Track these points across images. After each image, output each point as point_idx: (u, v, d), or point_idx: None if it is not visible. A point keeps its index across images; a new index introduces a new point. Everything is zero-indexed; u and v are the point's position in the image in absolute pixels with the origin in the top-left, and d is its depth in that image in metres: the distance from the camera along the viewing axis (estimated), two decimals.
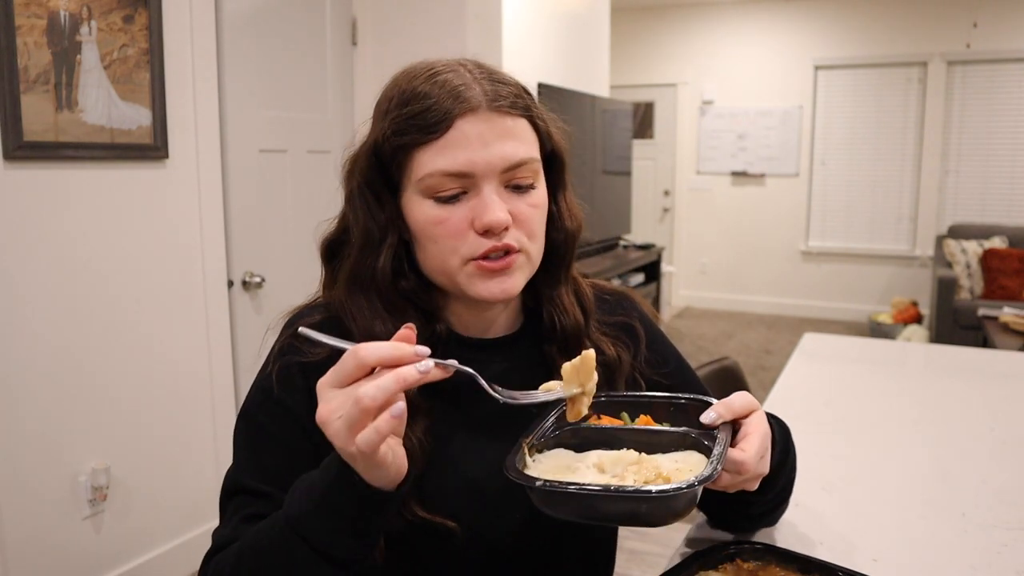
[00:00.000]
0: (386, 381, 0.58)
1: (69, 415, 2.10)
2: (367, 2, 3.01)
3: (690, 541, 0.97)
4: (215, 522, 0.79)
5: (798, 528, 1.01)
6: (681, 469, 0.70)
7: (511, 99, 0.75)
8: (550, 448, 0.74)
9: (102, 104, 2.09)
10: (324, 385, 0.61)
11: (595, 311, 0.88)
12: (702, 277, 7.09)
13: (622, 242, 5.06)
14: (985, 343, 3.79)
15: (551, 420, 0.75)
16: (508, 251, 0.75)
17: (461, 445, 0.81)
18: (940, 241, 5.66)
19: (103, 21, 2.06)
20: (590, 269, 3.91)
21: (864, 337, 2.92)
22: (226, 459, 2.54)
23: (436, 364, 0.61)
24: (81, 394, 2.12)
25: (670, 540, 2.65)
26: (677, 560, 0.88)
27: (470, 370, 0.65)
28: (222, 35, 2.44)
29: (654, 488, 0.63)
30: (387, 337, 0.65)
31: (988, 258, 5.22)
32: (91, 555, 2.18)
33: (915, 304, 5.92)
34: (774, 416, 0.86)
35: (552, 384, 0.73)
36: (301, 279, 2.77)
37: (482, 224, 0.73)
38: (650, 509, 0.64)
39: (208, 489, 2.52)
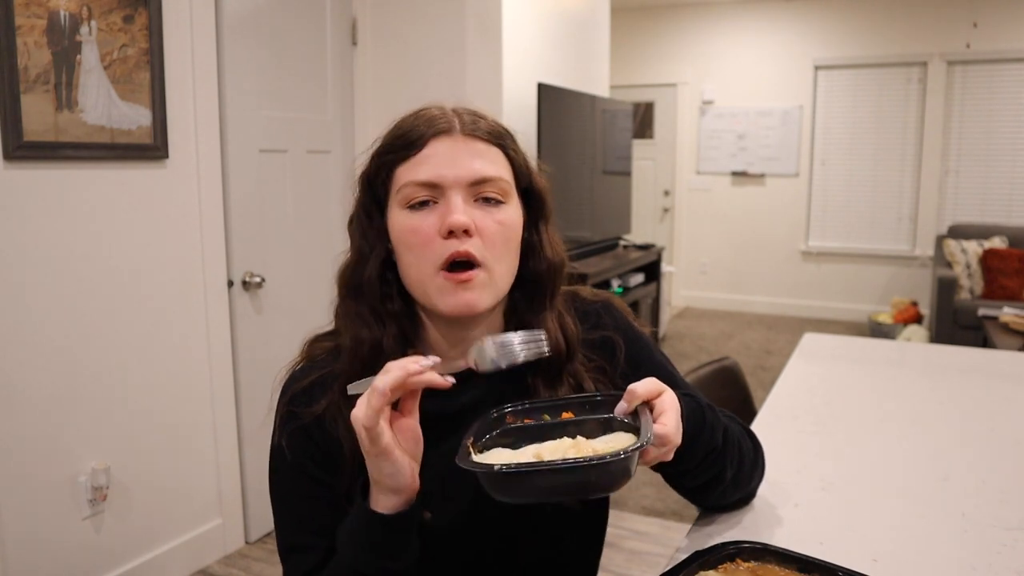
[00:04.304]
0: (394, 371, 0.71)
1: (69, 415, 2.10)
2: (367, 2, 3.01)
3: (690, 541, 0.97)
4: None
5: (798, 528, 1.01)
6: (615, 447, 0.74)
7: (486, 130, 0.83)
8: (488, 449, 0.78)
9: (102, 104, 2.09)
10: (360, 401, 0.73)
11: (578, 344, 0.91)
12: (702, 277, 7.09)
13: (622, 242, 5.06)
14: (985, 343, 3.79)
15: (487, 422, 0.80)
16: (471, 263, 0.80)
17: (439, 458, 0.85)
18: (940, 241, 5.66)
19: (103, 21, 2.06)
20: (590, 269, 3.91)
21: (864, 337, 2.92)
22: (225, 459, 2.55)
23: (435, 373, 0.72)
24: (81, 394, 2.12)
25: (670, 540, 2.65)
26: (677, 560, 0.88)
27: (462, 365, 0.76)
28: (222, 35, 2.44)
29: (608, 455, 0.68)
30: (371, 339, 0.84)
31: (988, 258, 5.22)
32: (91, 555, 2.18)
33: (915, 304, 5.92)
34: (689, 395, 0.89)
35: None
36: (301, 279, 2.78)
37: (445, 225, 0.79)
38: (599, 476, 0.68)
39: (208, 489, 2.52)
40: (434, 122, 0.82)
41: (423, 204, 0.81)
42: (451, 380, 0.73)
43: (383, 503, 0.76)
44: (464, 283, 0.80)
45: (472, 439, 0.77)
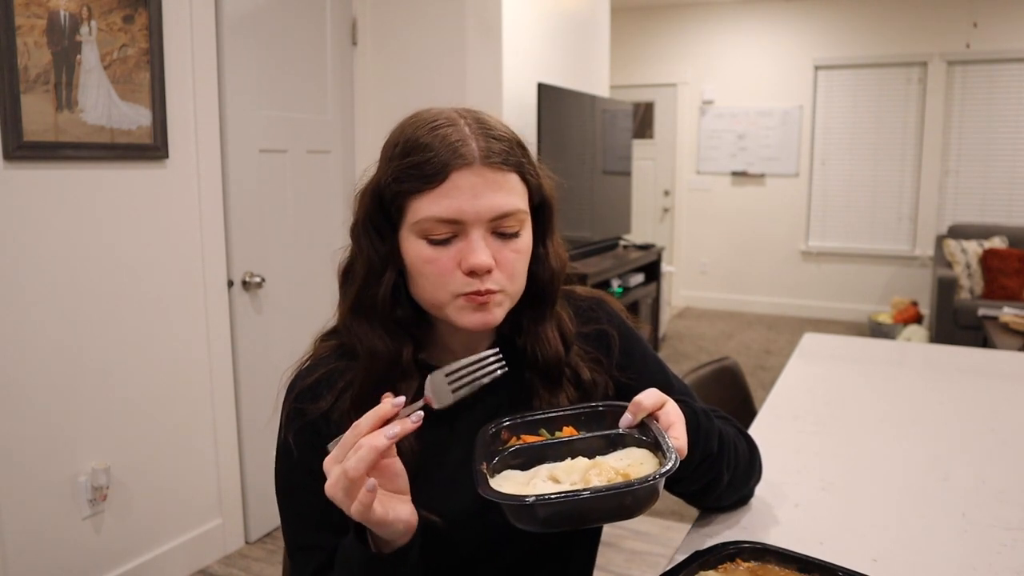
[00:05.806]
0: (364, 453, 0.69)
1: (69, 415, 2.10)
2: (367, 2, 3.01)
3: (690, 541, 0.98)
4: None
5: (798, 528, 1.01)
6: (632, 464, 0.75)
7: (504, 155, 0.81)
8: (499, 471, 0.78)
9: (102, 104, 2.09)
10: (329, 462, 0.72)
11: (574, 340, 0.94)
12: (702, 277, 7.09)
13: (622, 242, 5.06)
14: (985, 343, 3.79)
15: (486, 438, 0.80)
16: (489, 291, 0.82)
17: (446, 454, 0.87)
18: (940, 241, 5.66)
19: (103, 21, 2.06)
20: (590, 269, 3.91)
21: (864, 337, 2.92)
22: (225, 459, 2.55)
23: (401, 421, 0.71)
24: (81, 394, 2.12)
25: (670, 540, 2.65)
26: (677, 560, 0.88)
27: (420, 410, 0.74)
28: (222, 35, 2.44)
29: (644, 478, 0.67)
30: (387, 353, 0.84)
31: (988, 258, 5.22)
32: (91, 555, 2.18)
33: (915, 304, 5.92)
34: (684, 401, 0.90)
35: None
36: (301, 279, 2.78)
37: (468, 265, 0.80)
38: (633, 501, 0.68)
39: (208, 489, 2.52)
40: (455, 151, 0.79)
41: (444, 240, 0.81)
42: (420, 416, 0.72)
43: (382, 544, 0.77)
44: (484, 304, 0.81)
45: (485, 463, 0.75)
